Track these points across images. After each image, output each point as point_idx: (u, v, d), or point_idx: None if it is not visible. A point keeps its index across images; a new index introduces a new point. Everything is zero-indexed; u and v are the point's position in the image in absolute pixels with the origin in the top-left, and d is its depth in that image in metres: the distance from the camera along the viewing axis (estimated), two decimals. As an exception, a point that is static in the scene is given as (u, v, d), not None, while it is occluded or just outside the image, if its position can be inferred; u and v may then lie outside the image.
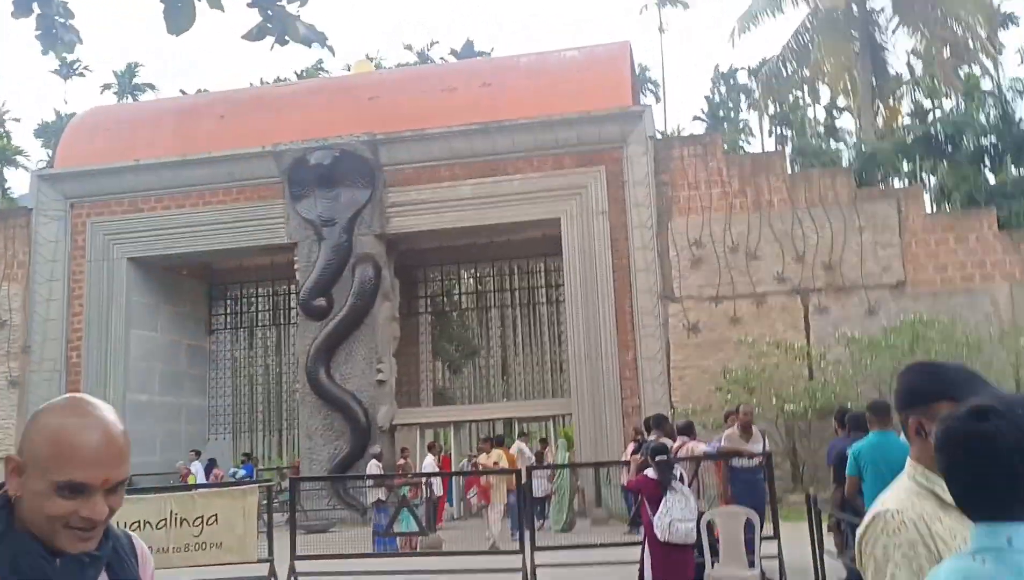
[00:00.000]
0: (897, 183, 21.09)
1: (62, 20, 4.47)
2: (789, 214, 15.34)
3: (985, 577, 1.19)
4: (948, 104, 25.33)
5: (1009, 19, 23.70)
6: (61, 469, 1.20)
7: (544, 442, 15.37)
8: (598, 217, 15.53)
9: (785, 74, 25.78)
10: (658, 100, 32.19)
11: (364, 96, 17.78)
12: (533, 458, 13.49)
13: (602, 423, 14.79)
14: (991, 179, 20.02)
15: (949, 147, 19.75)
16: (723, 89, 31.02)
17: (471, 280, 22.02)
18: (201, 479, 14.95)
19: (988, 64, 23.79)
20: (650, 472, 6.31)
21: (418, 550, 10.20)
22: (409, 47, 34.26)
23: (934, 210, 18.64)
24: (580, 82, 16.41)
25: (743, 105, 31.01)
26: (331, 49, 4.03)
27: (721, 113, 30.49)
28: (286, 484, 14.16)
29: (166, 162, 17.06)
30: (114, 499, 1.25)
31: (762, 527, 6.86)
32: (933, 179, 21.12)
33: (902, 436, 6.29)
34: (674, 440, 7.57)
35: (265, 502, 8.23)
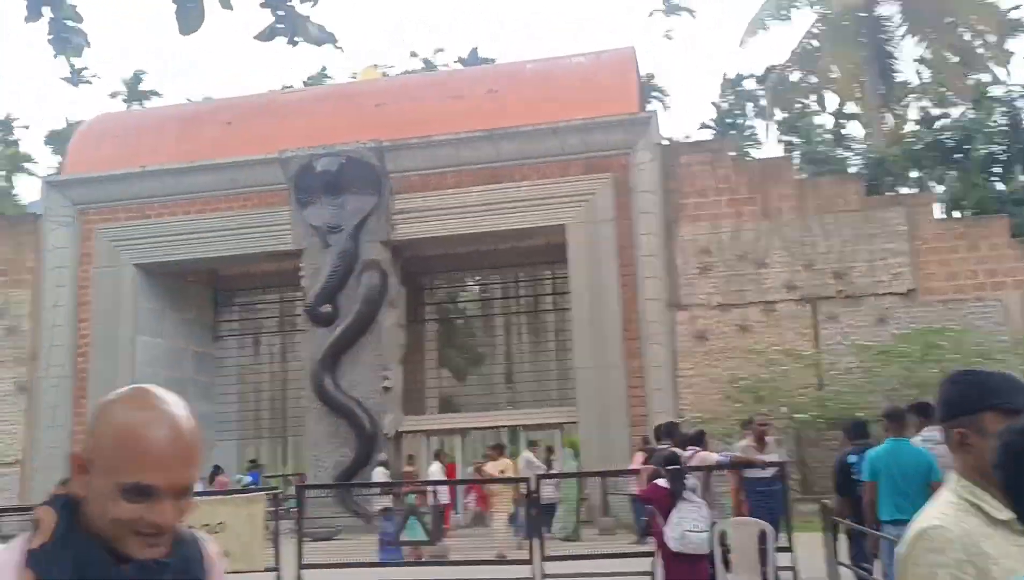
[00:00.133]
0: (905, 190, 20.99)
1: (71, 24, 4.53)
2: (798, 221, 15.25)
3: None
4: (955, 112, 25.23)
5: (1019, 26, 23.63)
6: (127, 470, 1.11)
7: (550, 450, 15.27)
8: (605, 224, 15.47)
9: (792, 81, 25.77)
10: (665, 108, 32.22)
11: (370, 103, 17.79)
12: (544, 468, 13.36)
13: (608, 432, 14.68)
14: (1001, 186, 19.91)
15: (958, 155, 19.66)
16: (731, 97, 30.98)
17: (476, 287, 21.97)
18: (202, 486, 14.86)
19: (999, 71, 23.76)
20: (662, 481, 6.23)
21: (424, 559, 10.11)
22: (415, 54, 34.37)
23: (944, 218, 18.55)
24: (586, 89, 16.38)
25: (750, 112, 30.97)
26: (340, 48, 4.04)
27: (728, 120, 30.44)
28: (292, 491, 14.08)
29: (173, 168, 17.09)
30: (184, 502, 1.16)
31: (777, 538, 6.76)
32: (940, 187, 21.02)
33: (919, 435, 6.14)
34: (684, 449, 7.48)
35: (272, 510, 8.16)
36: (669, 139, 21.90)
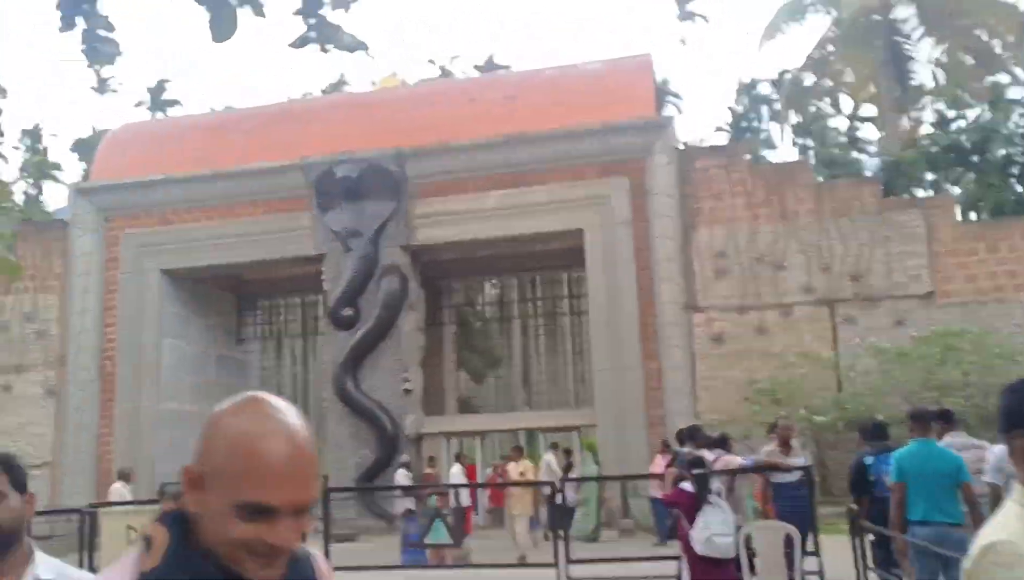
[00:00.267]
0: (920, 193, 20.95)
1: (104, 33, 4.66)
2: (815, 224, 15.31)
3: None
4: (971, 114, 25.11)
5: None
6: (244, 488, 1.03)
7: (568, 453, 15.40)
8: (621, 228, 15.59)
9: (807, 84, 25.75)
10: (679, 112, 32.25)
11: (390, 110, 18.00)
12: (559, 472, 13.47)
13: (626, 434, 14.78)
14: (1020, 188, 19.82)
15: (975, 157, 19.60)
16: (746, 100, 30.98)
17: (494, 291, 22.13)
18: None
19: (1018, 72, 23.61)
20: (687, 485, 6.32)
21: (447, 562, 10.24)
22: (431, 61, 34.59)
23: (961, 220, 18.51)
24: (603, 94, 16.51)
25: (765, 116, 30.95)
26: (371, 56, 4.17)
27: (743, 124, 30.44)
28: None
29: (197, 176, 17.37)
30: (303, 521, 1.07)
31: (805, 542, 6.84)
32: (956, 189, 20.95)
33: (941, 442, 6.18)
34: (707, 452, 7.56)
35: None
36: (685, 143, 21.96)
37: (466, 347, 22.46)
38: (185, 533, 1.09)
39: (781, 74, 29.09)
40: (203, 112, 24.42)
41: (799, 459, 7.67)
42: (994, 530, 1.47)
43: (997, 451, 5.44)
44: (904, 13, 24.11)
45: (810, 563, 7.02)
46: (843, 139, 26.01)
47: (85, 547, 7.66)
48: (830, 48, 24.40)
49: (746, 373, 14.77)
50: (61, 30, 4.51)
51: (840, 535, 8.60)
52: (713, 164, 15.93)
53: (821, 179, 18.41)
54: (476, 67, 32.18)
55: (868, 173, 21.47)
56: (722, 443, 7.62)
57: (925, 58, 25.12)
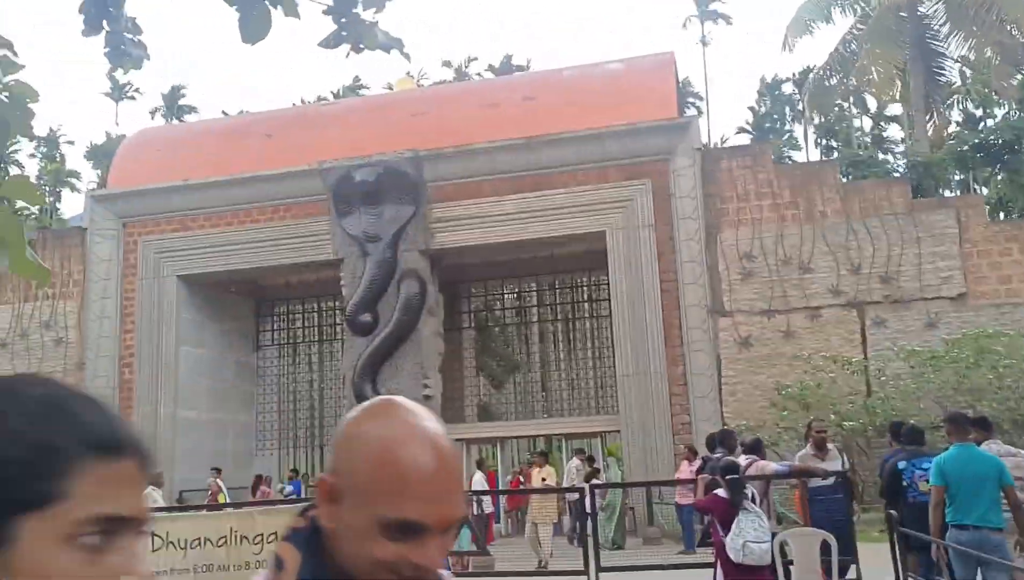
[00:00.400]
0: (949, 193, 20.53)
1: (131, 36, 4.52)
2: (843, 225, 14.96)
3: None
4: (999, 112, 24.63)
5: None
6: (391, 503, 0.93)
7: (591, 459, 15.13)
8: (644, 230, 15.33)
9: (830, 84, 25.36)
10: (701, 113, 31.94)
11: (407, 113, 17.87)
12: (576, 480, 13.22)
13: (651, 440, 14.49)
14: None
15: (1006, 155, 19.17)
16: (768, 101, 30.65)
17: (513, 295, 21.91)
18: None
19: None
20: (721, 491, 6.09)
21: (470, 570, 10.02)
22: (448, 63, 34.53)
23: (991, 219, 18.07)
24: (624, 95, 16.27)
25: (788, 116, 30.58)
26: (407, 56, 3.96)
27: (767, 125, 30.10)
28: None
29: (214, 181, 17.33)
30: (450, 540, 0.97)
31: (841, 549, 6.56)
32: (985, 190, 20.50)
33: (984, 447, 6.06)
34: (737, 458, 7.29)
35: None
36: (707, 144, 21.69)
37: (485, 352, 22.23)
38: (317, 551, 0.98)
39: (803, 74, 28.72)
40: (218, 117, 24.47)
41: (835, 463, 7.37)
42: None
43: None
44: (931, 8, 23.68)
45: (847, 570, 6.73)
46: (867, 139, 25.61)
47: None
48: (854, 46, 23.99)
49: (773, 378, 14.44)
50: (85, 34, 4.38)
51: (871, 542, 8.28)
52: (737, 165, 15.64)
53: (845, 180, 18.05)
54: (491, 67, 32.12)
55: (896, 174, 21.08)
56: (755, 448, 7.33)
57: (952, 56, 24.66)
